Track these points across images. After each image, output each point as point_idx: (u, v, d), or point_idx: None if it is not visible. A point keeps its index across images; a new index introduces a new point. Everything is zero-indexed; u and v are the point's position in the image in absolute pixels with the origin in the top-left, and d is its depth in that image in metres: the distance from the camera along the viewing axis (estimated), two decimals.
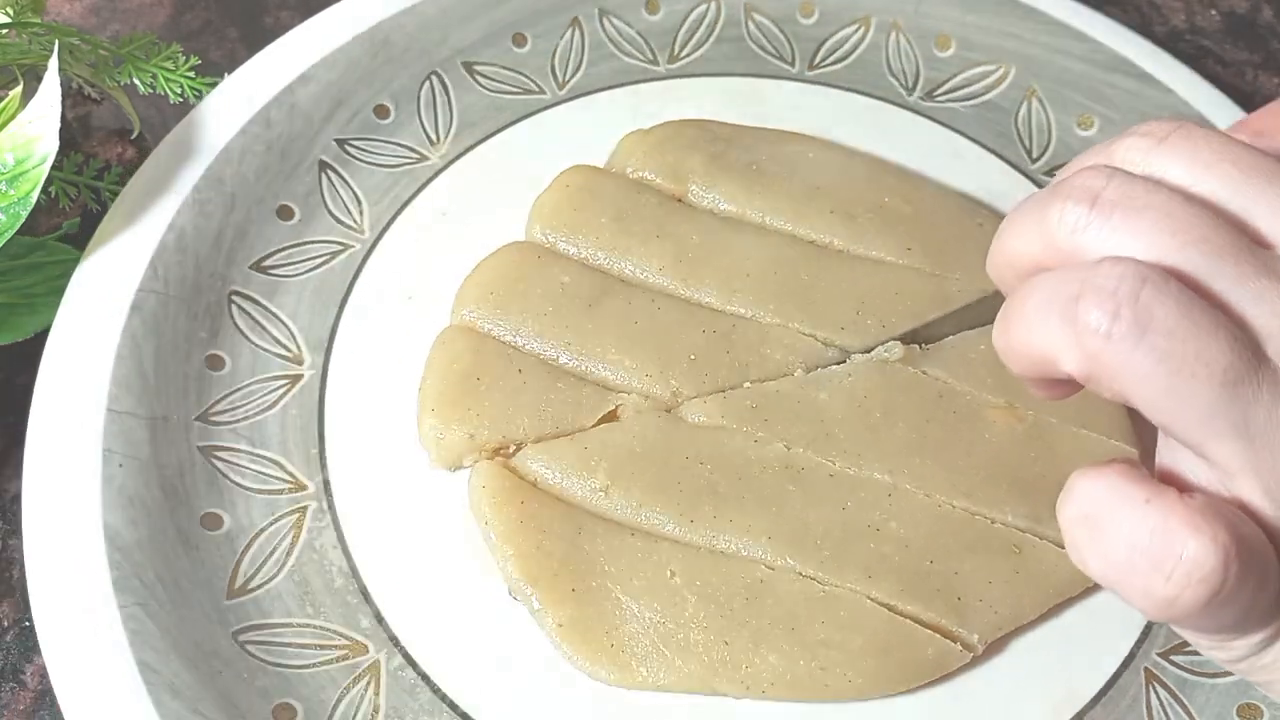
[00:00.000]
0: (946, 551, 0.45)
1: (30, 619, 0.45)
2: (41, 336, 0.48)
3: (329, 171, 0.55)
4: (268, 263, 0.52)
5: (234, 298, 0.51)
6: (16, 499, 0.48)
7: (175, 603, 0.42)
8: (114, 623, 0.41)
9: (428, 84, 0.58)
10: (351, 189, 0.55)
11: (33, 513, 0.43)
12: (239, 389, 0.49)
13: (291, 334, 0.51)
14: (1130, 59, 0.61)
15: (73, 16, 0.66)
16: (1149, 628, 0.46)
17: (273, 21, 0.67)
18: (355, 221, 0.54)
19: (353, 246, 0.54)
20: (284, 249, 0.53)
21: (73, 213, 0.56)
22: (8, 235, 0.46)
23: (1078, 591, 0.46)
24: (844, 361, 0.50)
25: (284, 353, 0.50)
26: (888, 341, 0.50)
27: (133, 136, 0.58)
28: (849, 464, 0.47)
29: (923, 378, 0.49)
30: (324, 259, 0.53)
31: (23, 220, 0.46)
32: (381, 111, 0.57)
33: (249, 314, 0.51)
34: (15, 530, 0.48)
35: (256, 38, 0.65)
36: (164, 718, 0.39)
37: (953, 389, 0.49)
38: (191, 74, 0.56)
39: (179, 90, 0.56)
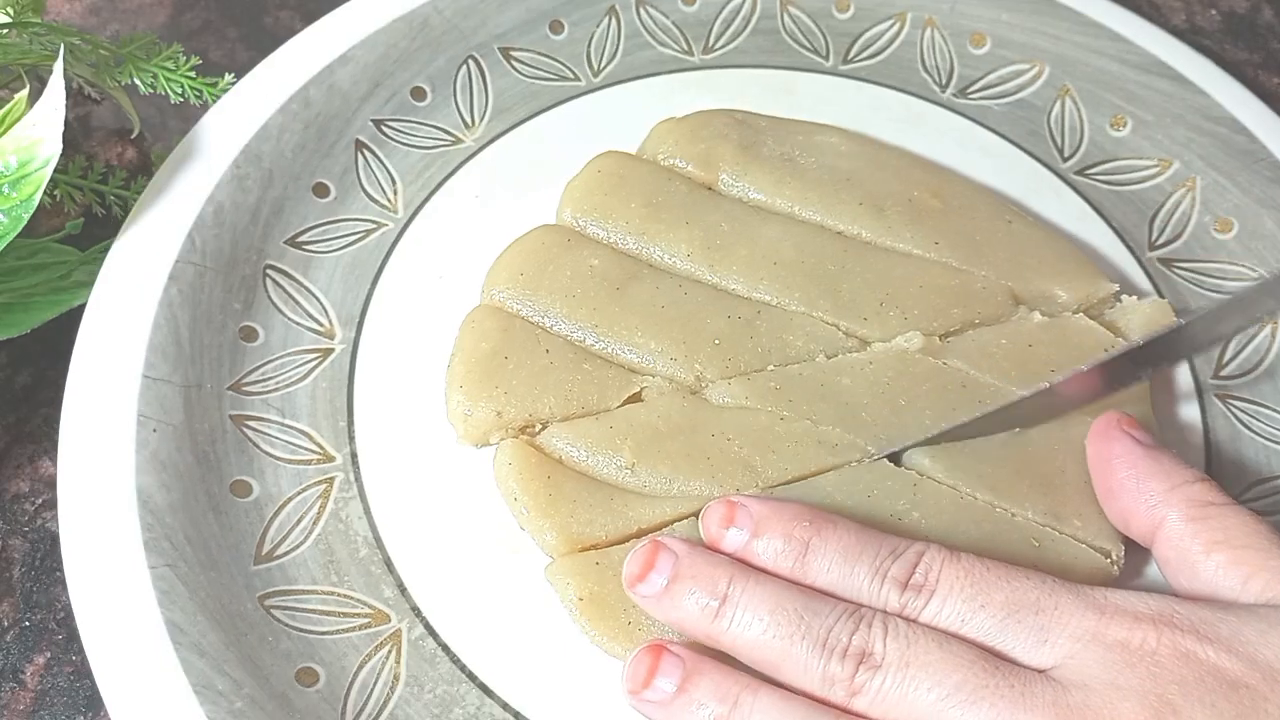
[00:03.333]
0: (967, 544, 0.45)
1: (30, 619, 0.47)
2: (42, 335, 0.49)
3: (365, 151, 0.56)
4: (303, 238, 0.53)
5: (269, 271, 0.52)
6: (17, 499, 0.49)
7: (204, 565, 0.43)
8: (144, 582, 0.42)
9: (464, 68, 0.59)
10: (386, 169, 0.56)
11: (68, 473, 0.44)
12: (271, 360, 0.50)
13: (324, 308, 0.52)
14: (1165, 61, 0.61)
15: (73, 16, 0.66)
16: None
17: (273, 21, 0.67)
18: (389, 201, 0.55)
19: (386, 225, 0.54)
20: (319, 225, 0.54)
21: (75, 213, 0.56)
22: (9, 238, 0.47)
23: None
24: (863, 350, 0.50)
25: (316, 327, 0.51)
26: (908, 331, 0.50)
27: (133, 136, 0.59)
28: (877, 447, 0.47)
29: (944, 368, 0.49)
30: (358, 236, 0.54)
31: (24, 223, 0.47)
32: (418, 94, 0.58)
33: (283, 288, 0.52)
34: (15, 530, 0.49)
35: (256, 38, 0.66)
36: (190, 676, 0.40)
37: (976, 380, 0.49)
38: (192, 74, 0.56)
39: (180, 90, 0.56)
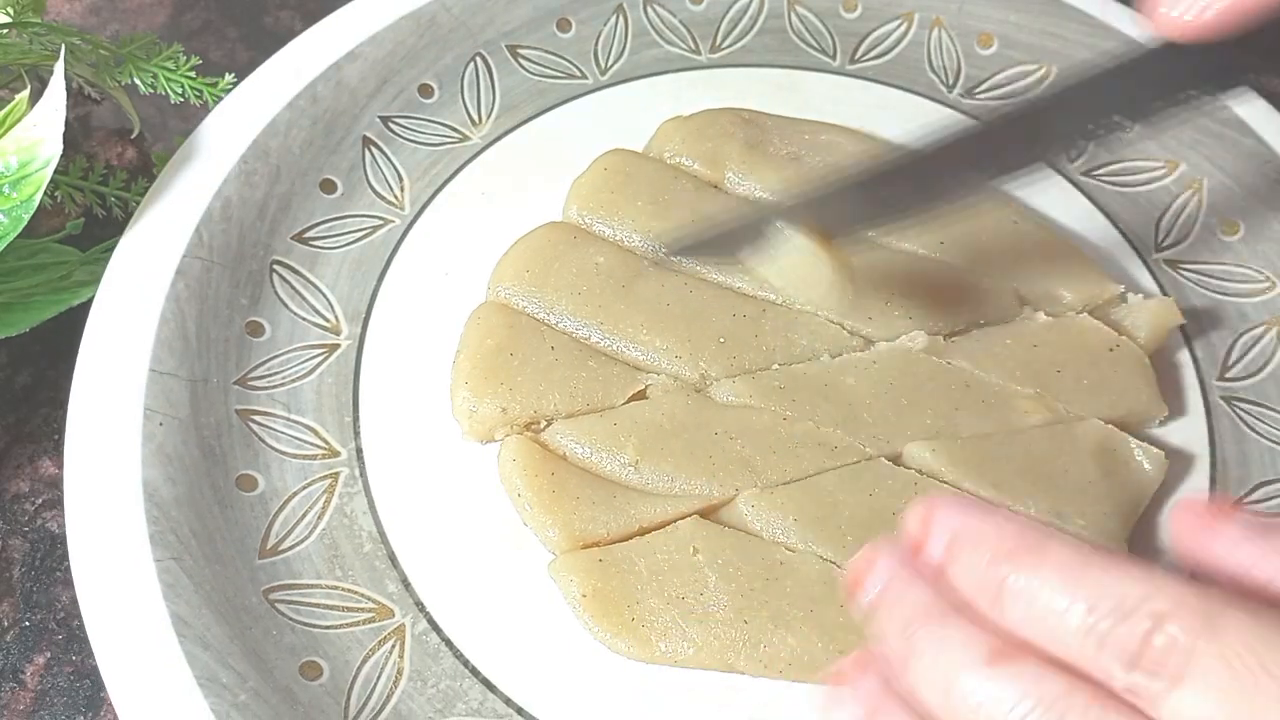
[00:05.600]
0: None
1: (30, 619, 0.47)
2: (42, 335, 0.49)
3: (372, 148, 0.56)
4: (309, 234, 0.53)
5: (275, 267, 0.52)
6: (17, 499, 0.50)
7: (209, 559, 0.43)
8: (149, 576, 0.42)
9: (472, 65, 0.59)
10: (394, 165, 0.56)
11: (74, 466, 0.44)
12: (277, 355, 0.50)
13: (330, 304, 0.52)
14: None
15: (73, 16, 0.66)
16: None
17: (273, 21, 0.67)
18: (396, 197, 0.55)
19: (393, 222, 0.55)
20: (326, 221, 0.54)
21: (76, 214, 0.56)
22: (9, 238, 0.47)
23: None
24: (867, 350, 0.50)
25: (322, 322, 0.51)
26: (912, 331, 0.50)
27: (132, 136, 0.59)
28: (877, 448, 0.47)
29: (948, 368, 0.50)
30: (364, 233, 0.54)
31: (25, 224, 0.47)
32: (425, 90, 0.58)
33: (289, 283, 0.52)
34: (15, 530, 0.49)
35: (256, 38, 0.66)
36: (194, 669, 0.40)
37: (980, 379, 0.49)
38: (192, 74, 0.56)
39: (180, 90, 0.56)
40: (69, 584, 0.47)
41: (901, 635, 0.32)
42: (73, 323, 0.48)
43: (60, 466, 0.50)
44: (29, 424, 0.52)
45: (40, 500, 0.50)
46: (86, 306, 0.48)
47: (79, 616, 0.45)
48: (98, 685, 0.45)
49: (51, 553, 0.48)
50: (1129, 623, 0.28)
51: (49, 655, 0.46)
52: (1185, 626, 0.27)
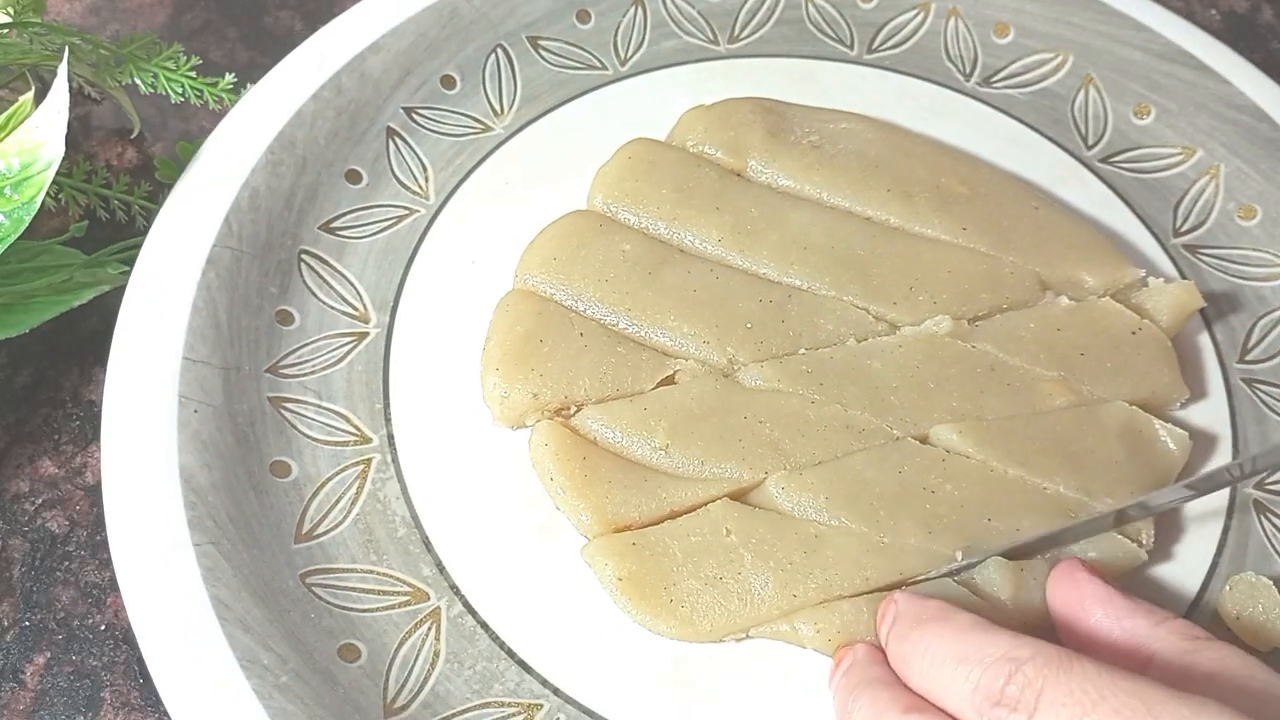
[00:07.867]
0: (1004, 510, 0.46)
1: (30, 619, 0.47)
2: (42, 335, 0.49)
3: (396, 138, 0.56)
4: (336, 224, 0.54)
5: (304, 256, 0.52)
6: (17, 499, 0.50)
7: (246, 543, 0.44)
8: (189, 560, 0.42)
9: (493, 56, 0.60)
10: (418, 156, 0.56)
11: (111, 453, 0.44)
12: (307, 344, 0.50)
13: (358, 293, 0.52)
14: (1188, 49, 0.62)
15: (73, 16, 0.67)
16: (1197, 601, 0.47)
17: (273, 21, 0.67)
18: (420, 187, 0.56)
19: (418, 211, 0.55)
20: (352, 211, 0.54)
21: (78, 216, 0.56)
22: (10, 240, 0.47)
23: (1130, 567, 0.47)
24: (893, 334, 0.51)
25: (350, 310, 0.51)
26: (937, 315, 0.51)
27: (132, 136, 0.59)
28: (904, 430, 0.47)
29: (972, 351, 0.50)
30: (390, 222, 0.54)
31: (26, 225, 0.47)
32: (448, 82, 0.59)
33: (318, 272, 0.52)
34: (15, 530, 0.49)
35: (256, 38, 0.66)
36: (236, 651, 0.41)
37: (1005, 363, 0.50)
38: (192, 74, 0.56)
39: (180, 90, 0.56)
40: (69, 584, 0.47)
41: (848, 699, 0.40)
42: (73, 322, 0.48)
43: (60, 466, 0.50)
44: (29, 424, 0.52)
45: (40, 500, 0.50)
46: (87, 306, 0.48)
47: (79, 616, 0.45)
48: (98, 685, 0.46)
49: (51, 553, 0.49)
50: (993, 669, 0.35)
51: (49, 655, 0.46)
52: (1039, 669, 0.34)
